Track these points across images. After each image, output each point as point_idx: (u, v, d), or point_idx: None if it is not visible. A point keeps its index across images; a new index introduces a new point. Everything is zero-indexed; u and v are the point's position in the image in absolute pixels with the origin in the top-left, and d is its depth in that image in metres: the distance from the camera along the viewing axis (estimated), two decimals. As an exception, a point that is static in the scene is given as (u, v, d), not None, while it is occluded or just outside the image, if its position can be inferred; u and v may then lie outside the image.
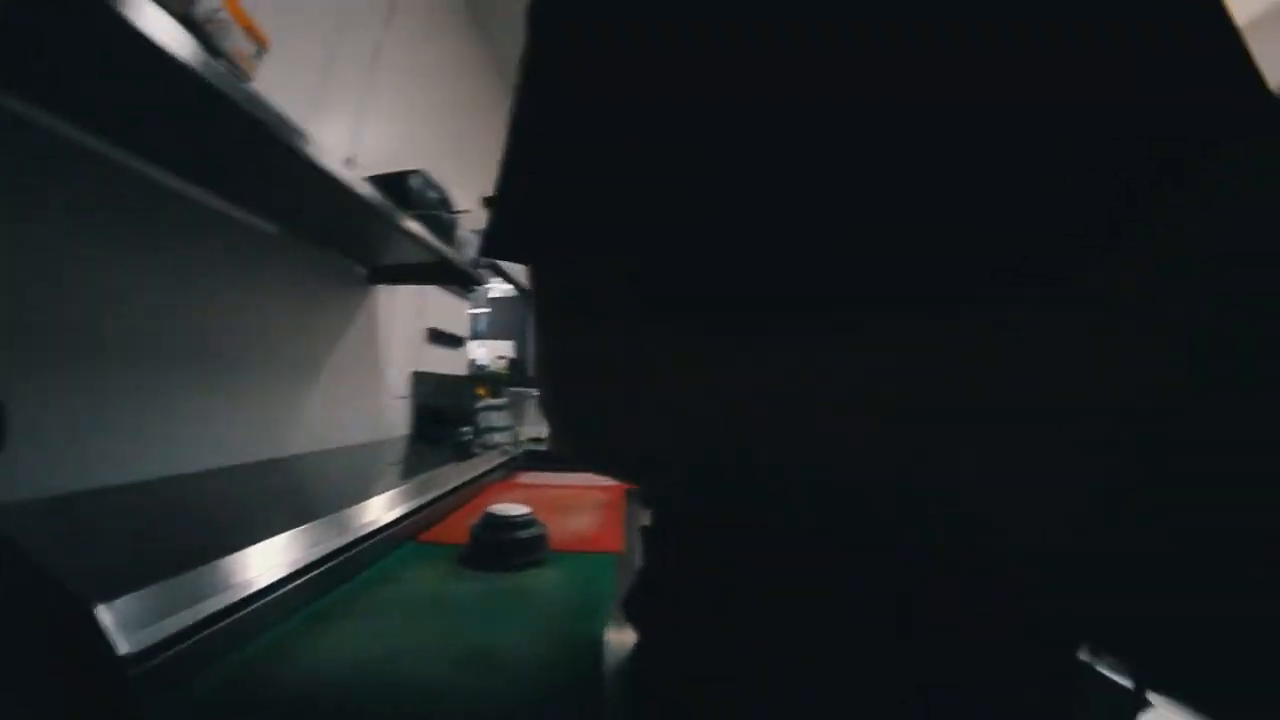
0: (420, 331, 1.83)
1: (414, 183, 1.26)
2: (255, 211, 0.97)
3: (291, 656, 0.57)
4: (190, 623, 0.52)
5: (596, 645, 0.61)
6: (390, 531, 0.91)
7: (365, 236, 1.14)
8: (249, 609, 0.59)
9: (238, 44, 0.65)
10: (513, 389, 2.68)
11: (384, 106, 1.50)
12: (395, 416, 1.61)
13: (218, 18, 0.62)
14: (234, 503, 0.79)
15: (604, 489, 1.44)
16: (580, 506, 1.28)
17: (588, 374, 0.30)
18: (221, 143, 0.70)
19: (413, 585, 0.78)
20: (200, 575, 0.56)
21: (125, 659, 0.45)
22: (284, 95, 0.76)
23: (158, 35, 0.53)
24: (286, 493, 0.90)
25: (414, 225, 1.19)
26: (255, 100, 0.65)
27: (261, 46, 0.70)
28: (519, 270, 3.96)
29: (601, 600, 0.75)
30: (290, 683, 0.53)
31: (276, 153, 0.71)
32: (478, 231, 1.64)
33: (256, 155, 0.72)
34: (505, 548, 0.88)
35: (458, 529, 1.03)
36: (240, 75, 0.66)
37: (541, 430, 2.34)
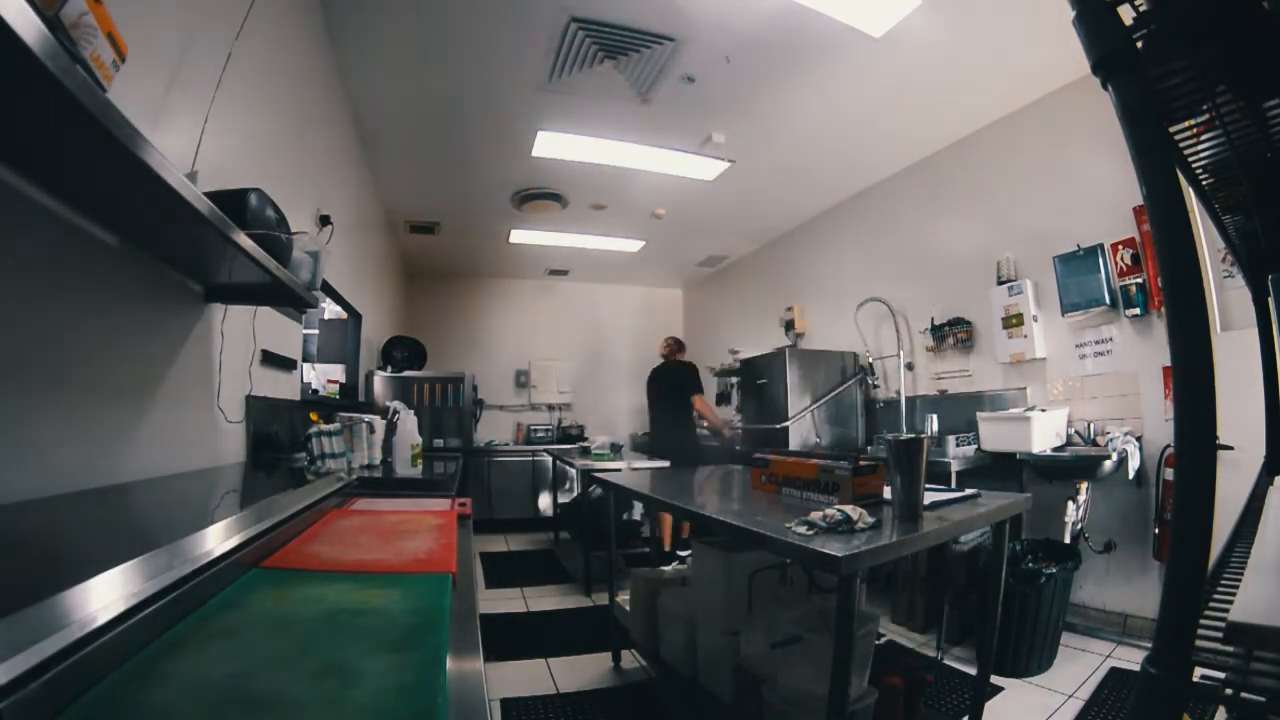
0: (254, 354, 1.72)
1: (253, 200, 1.23)
2: (97, 221, 0.90)
3: (157, 682, 0.57)
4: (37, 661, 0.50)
5: (439, 657, 0.65)
6: (236, 557, 0.89)
7: (203, 253, 1.09)
8: (100, 641, 0.57)
9: (99, 51, 0.64)
10: (344, 414, 2.55)
11: (227, 120, 1.43)
12: (230, 442, 1.50)
13: (84, 21, 0.61)
14: (70, 531, 0.73)
15: (437, 514, 1.47)
16: (416, 531, 1.30)
17: None
18: (72, 152, 0.68)
19: (261, 607, 0.79)
20: (41, 611, 0.54)
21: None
22: (129, 100, 0.75)
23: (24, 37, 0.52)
24: (123, 521, 0.84)
25: (251, 244, 1.17)
26: (110, 111, 0.65)
27: (120, 55, 0.68)
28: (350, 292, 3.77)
29: (438, 616, 0.78)
30: (155, 708, 0.53)
31: (126, 165, 0.69)
32: (312, 253, 1.61)
33: (106, 166, 0.70)
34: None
35: (298, 554, 1.02)
36: (98, 83, 0.65)
37: (374, 456, 2.26)
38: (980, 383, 3.64)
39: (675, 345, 4.78)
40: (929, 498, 1.53)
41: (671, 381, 4.58)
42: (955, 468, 3.02)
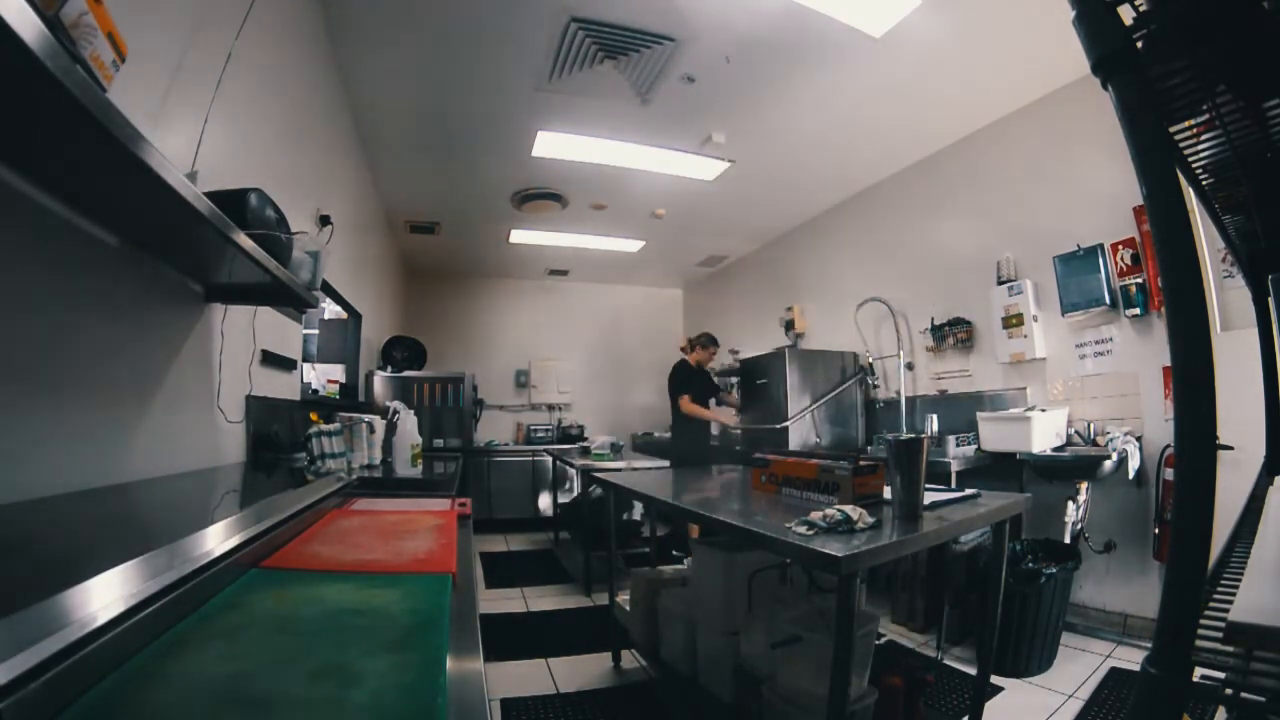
0: (254, 354, 1.72)
1: (253, 200, 1.23)
2: (97, 221, 0.90)
3: (157, 682, 0.57)
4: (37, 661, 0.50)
5: (439, 657, 0.65)
6: (236, 557, 0.89)
7: (203, 253, 1.09)
8: (100, 641, 0.57)
9: (99, 51, 0.64)
10: (344, 414, 2.55)
11: (227, 120, 1.43)
12: (230, 442, 1.50)
13: (84, 21, 0.61)
14: (70, 531, 0.73)
15: (437, 514, 1.47)
16: (416, 531, 1.30)
17: None
18: (72, 151, 0.68)
19: (261, 607, 0.79)
20: (41, 610, 0.54)
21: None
22: (129, 100, 0.75)
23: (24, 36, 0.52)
24: (123, 521, 0.84)
25: (251, 244, 1.17)
26: (110, 111, 0.65)
27: (120, 55, 0.68)
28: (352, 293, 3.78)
29: (438, 616, 0.77)
30: (156, 708, 0.53)
31: (126, 165, 0.69)
32: (312, 253, 1.61)
33: (106, 166, 0.70)
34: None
35: (298, 555, 1.03)
36: (98, 83, 0.65)
37: (374, 456, 2.26)
38: (980, 383, 3.64)
39: (688, 344, 4.70)
40: (929, 498, 1.53)
41: (669, 381, 4.62)
42: (955, 468, 3.02)
